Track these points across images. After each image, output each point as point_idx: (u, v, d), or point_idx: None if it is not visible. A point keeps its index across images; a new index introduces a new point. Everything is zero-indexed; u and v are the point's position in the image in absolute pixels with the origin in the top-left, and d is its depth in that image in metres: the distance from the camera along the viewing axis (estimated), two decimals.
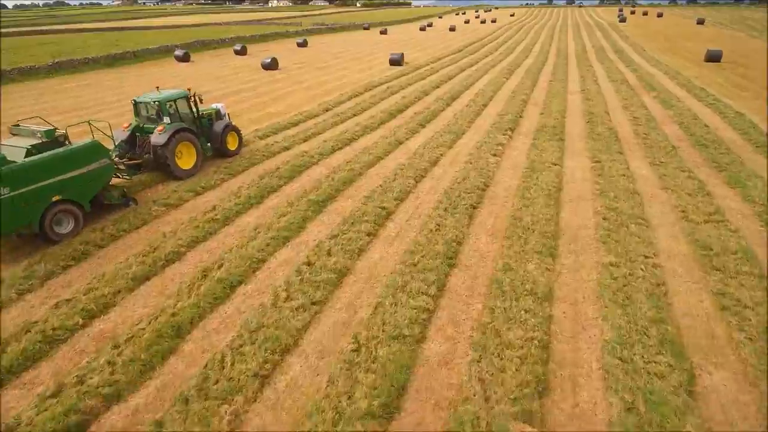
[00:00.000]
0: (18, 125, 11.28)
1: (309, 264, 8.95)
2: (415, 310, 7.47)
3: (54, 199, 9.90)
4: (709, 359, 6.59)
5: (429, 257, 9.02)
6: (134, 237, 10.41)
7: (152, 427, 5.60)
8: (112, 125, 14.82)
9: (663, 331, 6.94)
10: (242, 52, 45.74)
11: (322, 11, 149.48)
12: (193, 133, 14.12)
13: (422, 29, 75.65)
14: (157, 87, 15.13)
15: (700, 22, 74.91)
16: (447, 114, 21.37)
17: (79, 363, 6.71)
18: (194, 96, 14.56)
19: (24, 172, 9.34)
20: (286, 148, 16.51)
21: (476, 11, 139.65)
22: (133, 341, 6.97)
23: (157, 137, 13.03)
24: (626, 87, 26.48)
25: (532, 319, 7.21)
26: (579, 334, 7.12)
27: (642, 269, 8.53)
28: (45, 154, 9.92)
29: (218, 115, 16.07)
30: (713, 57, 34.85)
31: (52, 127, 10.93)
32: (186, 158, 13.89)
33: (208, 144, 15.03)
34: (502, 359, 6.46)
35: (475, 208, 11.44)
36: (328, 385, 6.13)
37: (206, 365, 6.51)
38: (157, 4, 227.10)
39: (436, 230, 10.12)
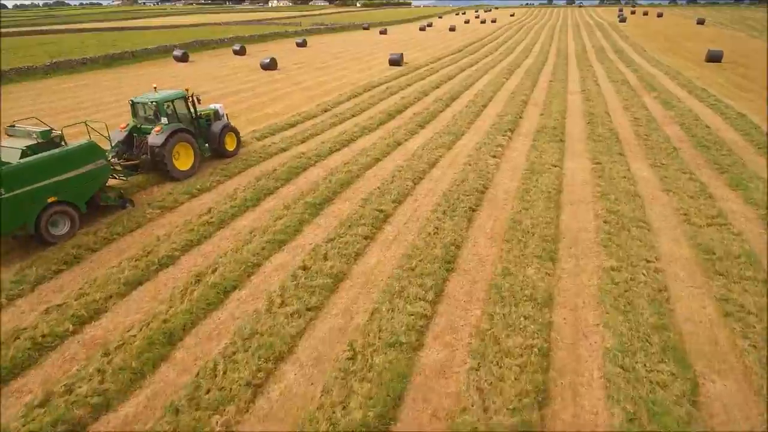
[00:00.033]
0: (14, 126, 11.16)
1: (305, 268, 8.80)
2: (412, 317, 7.32)
3: (49, 200, 9.80)
4: (713, 367, 6.44)
5: (427, 261, 8.87)
6: (128, 240, 10.26)
7: None
8: (111, 126, 14.73)
9: (665, 338, 6.79)
10: (241, 52, 45.58)
11: (322, 11, 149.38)
12: (191, 133, 13.99)
13: (422, 29, 75.50)
14: (155, 87, 15.00)
15: (701, 22, 74.77)
16: (446, 115, 21.23)
17: (68, 371, 6.56)
18: (192, 96, 14.42)
19: (19, 173, 9.24)
20: (284, 150, 16.36)
21: (476, 11, 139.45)
22: (124, 348, 6.82)
23: (155, 138, 12.89)
24: (627, 87, 26.34)
25: (532, 326, 7.06)
26: (580, 341, 6.97)
27: (644, 274, 8.38)
28: (40, 155, 9.83)
29: (216, 115, 15.94)
30: (714, 57, 34.71)
31: (48, 128, 10.82)
32: (183, 159, 13.76)
33: (206, 145, 14.90)
34: (501, 367, 6.31)
35: (474, 210, 11.29)
36: (322, 395, 5.98)
37: (198, 373, 6.37)
38: (157, 4, 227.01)
39: (434, 233, 9.97)
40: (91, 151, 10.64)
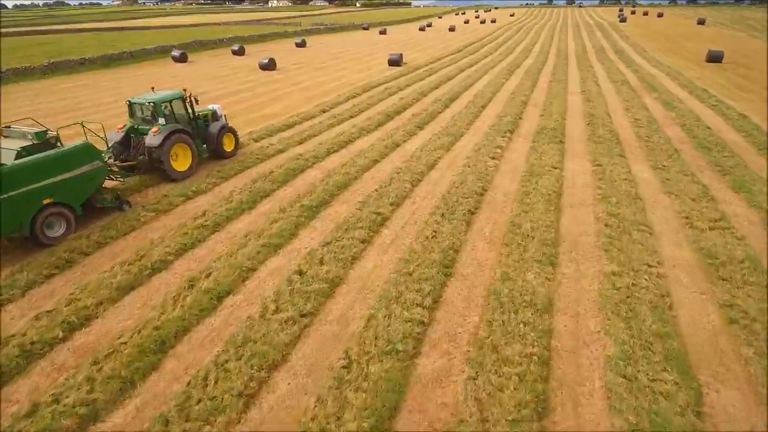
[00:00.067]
0: (9, 127, 11.02)
1: (300, 273, 8.64)
2: (409, 323, 7.16)
3: (45, 202, 9.69)
4: (717, 377, 6.28)
5: (424, 266, 8.71)
6: (121, 244, 10.10)
7: None
8: (109, 126, 14.55)
9: (668, 346, 6.64)
10: (240, 52, 45.42)
11: (322, 11, 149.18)
12: (189, 134, 13.84)
13: (422, 29, 75.34)
14: (153, 87, 14.84)
15: (701, 22, 74.59)
16: (445, 115, 21.06)
17: (56, 380, 6.41)
18: (190, 97, 14.26)
19: (14, 174, 9.13)
20: (281, 151, 16.19)
21: (476, 11, 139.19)
22: (114, 356, 6.67)
23: (152, 139, 12.74)
24: (627, 88, 26.18)
25: (532, 333, 6.91)
26: (580, 349, 6.81)
27: (645, 279, 8.22)
28: (35, 157, 9.73)
29: (214, 116, 15.75)
30: (714, 57, 34.56)
31: (44, 129, 10.69)
32: (181, 160, 13.61)
33: (204, 145, 14.72)
34: (499, 377, 6.16)
35: (472, 213, 11.13)
36: (316, 405, 5.82)
37: (189, 383, 6.20)
38: (157, 4, 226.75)
39: (432, 237, 9.81)
40: (86, 152, 10.53)
